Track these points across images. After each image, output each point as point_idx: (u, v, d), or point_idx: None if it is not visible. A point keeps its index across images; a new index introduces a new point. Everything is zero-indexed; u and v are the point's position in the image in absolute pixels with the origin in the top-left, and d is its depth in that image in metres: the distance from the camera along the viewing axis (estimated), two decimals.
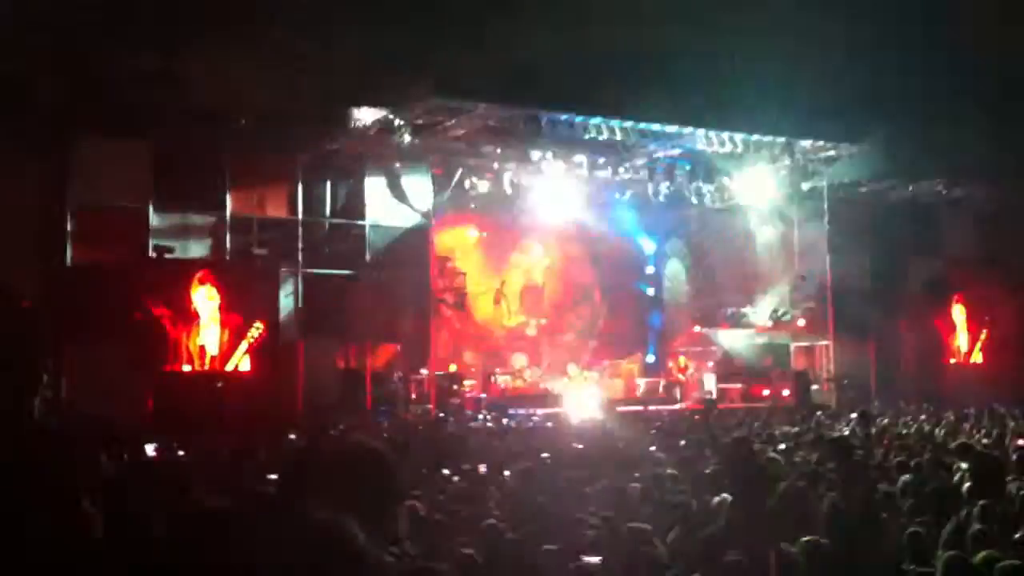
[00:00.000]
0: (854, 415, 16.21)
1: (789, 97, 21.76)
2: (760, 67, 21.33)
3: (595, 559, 5.71)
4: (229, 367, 19.52)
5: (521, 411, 22.22)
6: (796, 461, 9.99)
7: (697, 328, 29.04)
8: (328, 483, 2.95)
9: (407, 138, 21.31)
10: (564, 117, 21.60)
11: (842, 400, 24.02)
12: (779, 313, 27.44)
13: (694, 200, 24.85)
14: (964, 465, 8.44)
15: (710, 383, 26.88)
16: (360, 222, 22.79)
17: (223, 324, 19.52)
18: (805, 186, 26.07)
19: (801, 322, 27.22)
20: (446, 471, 10.10)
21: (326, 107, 20.68)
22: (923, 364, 26.72)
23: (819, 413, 19.53)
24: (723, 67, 21.52)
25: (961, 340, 28.06)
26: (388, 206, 22.81)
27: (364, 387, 21.20)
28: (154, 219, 20.40)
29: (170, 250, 19.95)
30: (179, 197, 20.53)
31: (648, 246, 30.37)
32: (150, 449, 11.25)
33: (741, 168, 24.61)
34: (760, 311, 27.90)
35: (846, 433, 13.84)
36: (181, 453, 11.61)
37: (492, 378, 25.82)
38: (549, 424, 19.22)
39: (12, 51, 17.46)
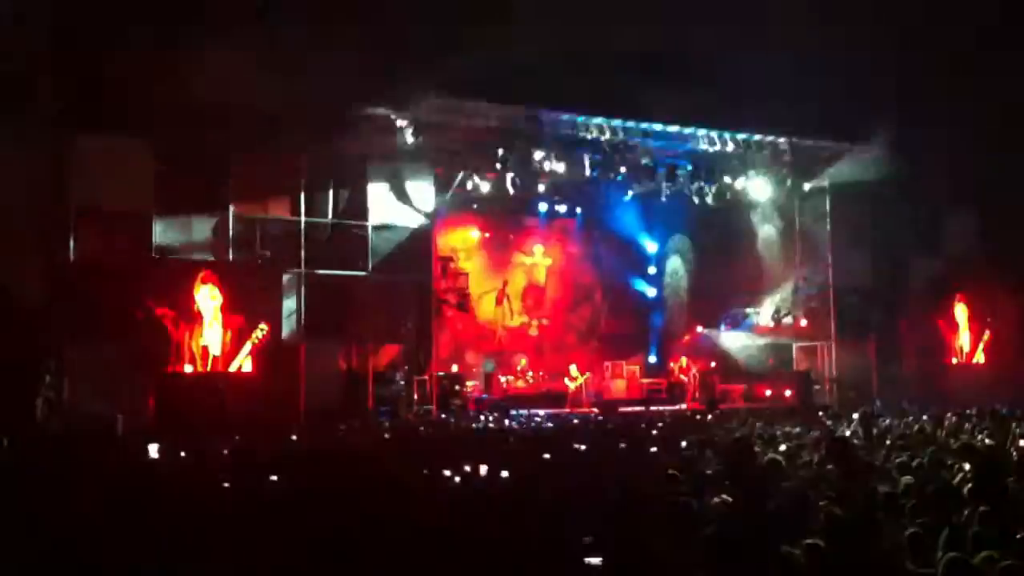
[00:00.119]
0: (856, 415, 16.20)
1: (791, 97, 21.73)
2: (761, 67, 21.29)
3: (595, 559, 5.70)
4: (232, 368, 19.54)
5: (523, 412, 22.25)
6: (798, 462, 9.99)
7: (699, 328, 29.04)
8: None
9: (409, 138, 21.34)
10: (565, 117, 21.60)
11: (844, 400, 24.01)
12: (781, 313, 27.45)
13: (696, 200, 24.84)
14: (966, 466, 8.45)
15: (711, 384, 26.86)
16: (363, 223, 22.78)
17: (225, 325, 19.54)
18: (806, 186, 26.12)
19: (803, 322, 27.24)
20: (447, 471, 10.10)
21: (329, 108, 20.66)
22: (925, 364, 26.67)
23: (821, 413, 19.54)
24: (724, 67, 21.48)
25: (963, 340, 28.03)
26: (391, 207, 22.81)
27: (366, 388, 21.23)
28: (156, 219, 20.40)
29: (172, 251, 19.97)
30: (182, 197, 20.49)
31: (650, 246, 30.34)
32: (153, 450, 11.27)
33: (743, 168, 24.62)
34: (762, 311, 27.91)
35: (848, 434, 13.83)
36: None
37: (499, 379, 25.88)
38: (550, 425, 19.24)
39: (12, 51, 17.45)
